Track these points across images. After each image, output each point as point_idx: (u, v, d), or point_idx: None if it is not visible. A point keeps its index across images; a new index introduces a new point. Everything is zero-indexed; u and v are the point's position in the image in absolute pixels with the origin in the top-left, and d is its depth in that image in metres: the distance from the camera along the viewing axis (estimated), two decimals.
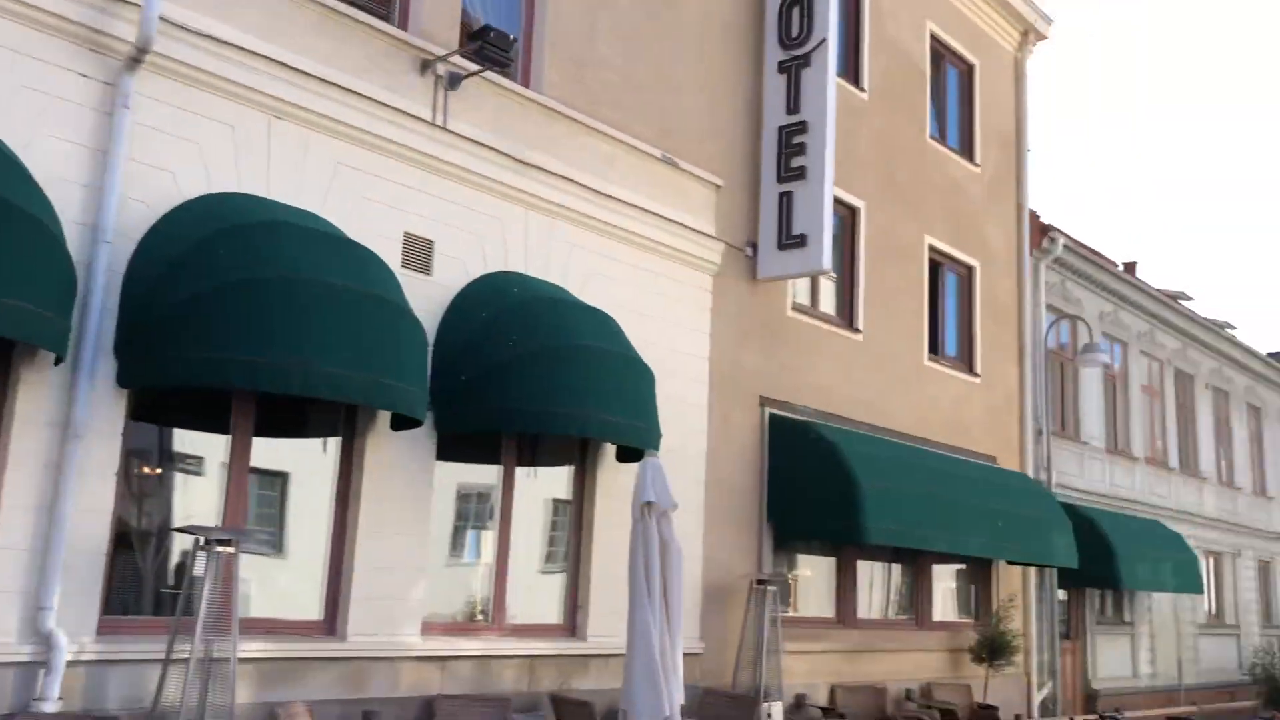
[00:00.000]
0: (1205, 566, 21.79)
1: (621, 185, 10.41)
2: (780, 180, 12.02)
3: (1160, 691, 19.58)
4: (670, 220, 10.86)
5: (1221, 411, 24.62)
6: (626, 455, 9.74)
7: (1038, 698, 15.70)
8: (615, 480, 9.89)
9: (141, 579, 7.35)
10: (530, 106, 9.68)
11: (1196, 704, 18.74)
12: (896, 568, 14.16)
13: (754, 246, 12.04)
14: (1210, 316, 24.70)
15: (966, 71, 16.45)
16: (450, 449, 8.85)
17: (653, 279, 10.70)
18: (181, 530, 7.24)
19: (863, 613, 13.42)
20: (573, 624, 9.72)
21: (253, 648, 7.20)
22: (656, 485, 5.24)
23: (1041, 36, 17.71)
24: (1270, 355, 28.76)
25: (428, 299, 8.56)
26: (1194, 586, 19.59)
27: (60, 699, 6.38)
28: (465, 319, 8.78)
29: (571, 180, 9.87)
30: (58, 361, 6.48)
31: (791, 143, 12.02)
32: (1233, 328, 25.97)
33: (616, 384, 9.02)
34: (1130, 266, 22.65)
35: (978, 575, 15.36)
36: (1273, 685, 17.08)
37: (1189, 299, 24.63)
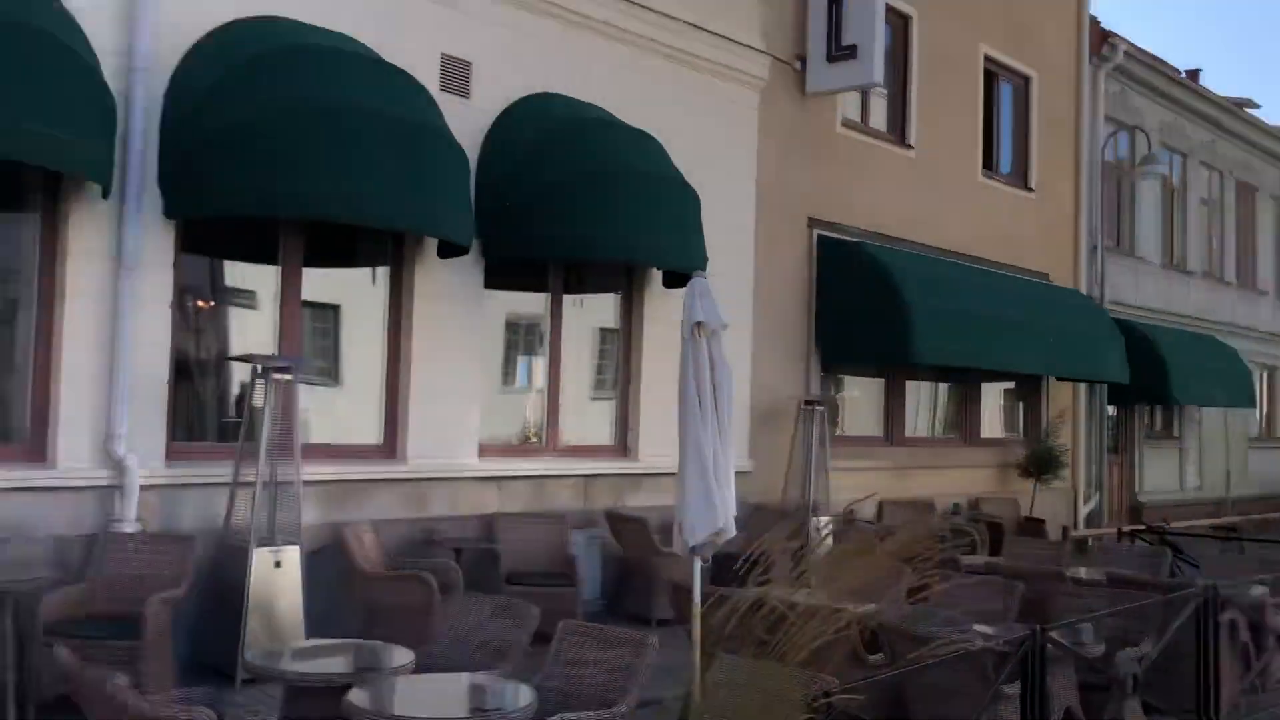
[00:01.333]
0: (1259, 380, 21.60)
1: None
2: None
3: (1206, 503, 19.75)
4: (714, 34, 10.46)
5: None
6: (673, 281, 9.69)
7: (1084, 510, 15.91)
8: (662, 306, 9.87)
9: (204, 408, 7.56)
10: None
11: (1244, 514, 18.91)
12: (945, 387, 14.18)
13: (802, 60, 11.60)
14: (1278, 124, 23.71)
15: None
16: (498, 277, 8.83)
17: (697, 97, 10.39)
18: (238, 359, 7.39)
19: (910, 431, 13.53)
20: (624, 445, 9.90)
21: (316, 470, 7.39)
22: (705, 305, 5.18)
23: None
24: None
25: (467, 123, 8.37)
26: (1246, 401, 19.50)
27: (138, 520, 6.66)
28: (507, 143, 8.61)
29: None
30: (105, 194, 6.46)
31: None
32: None
33: (662, 207, 8.89)
34: (1193, 74, 21.64)
35: (1027, 392, 15.35)
36: None
37: (1255, 106, 23.57)
